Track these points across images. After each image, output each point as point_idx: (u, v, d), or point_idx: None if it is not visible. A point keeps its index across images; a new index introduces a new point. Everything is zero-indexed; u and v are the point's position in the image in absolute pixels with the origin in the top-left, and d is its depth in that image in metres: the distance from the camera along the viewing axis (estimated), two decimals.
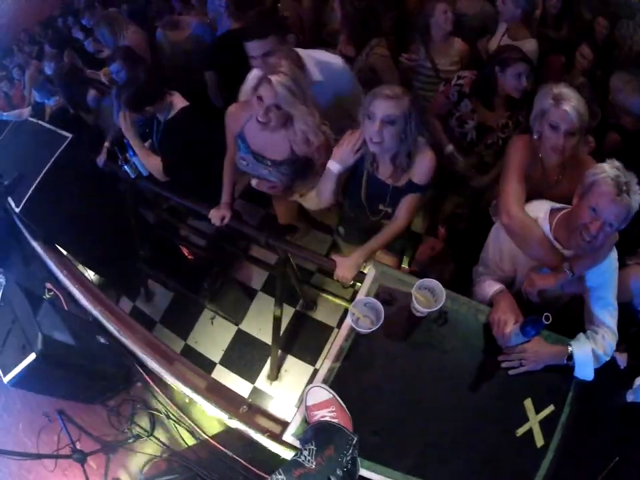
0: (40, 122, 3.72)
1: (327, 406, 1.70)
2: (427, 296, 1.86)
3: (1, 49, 7.67)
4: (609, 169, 1.62)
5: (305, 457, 1.35)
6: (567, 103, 1.86)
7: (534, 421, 1.86)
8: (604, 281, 1.84)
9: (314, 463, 1.34)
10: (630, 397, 2.04)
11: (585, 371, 1.83)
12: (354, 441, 1.50)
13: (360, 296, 1.96)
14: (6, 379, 2.06)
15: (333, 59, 2.55)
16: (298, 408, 1.80)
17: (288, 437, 1.76)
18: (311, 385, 1.77)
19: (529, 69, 2.52)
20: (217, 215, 2.68)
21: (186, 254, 3.84)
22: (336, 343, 1.87)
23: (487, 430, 1.84)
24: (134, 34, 3.83)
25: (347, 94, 2.58)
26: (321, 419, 1.64)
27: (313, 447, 1.39)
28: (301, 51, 2.40)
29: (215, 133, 2.67)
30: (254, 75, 2.28)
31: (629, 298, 2.08)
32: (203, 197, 2.91)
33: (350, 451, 1.45)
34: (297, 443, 1.74)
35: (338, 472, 1.35)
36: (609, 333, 1.83)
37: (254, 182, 2.67)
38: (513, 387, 1.88)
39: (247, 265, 3.79)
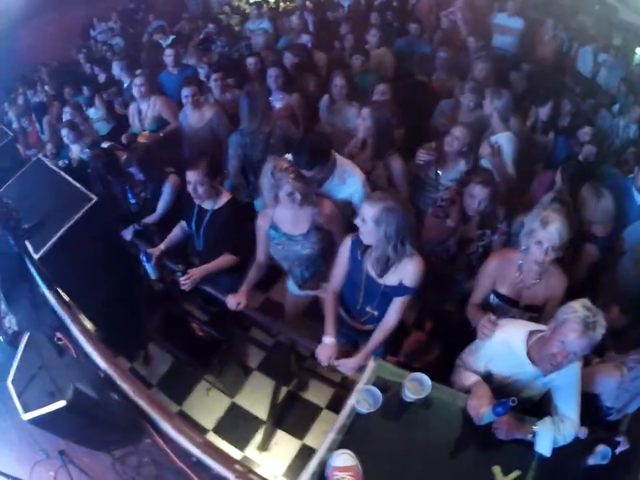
0: (64, 175, 3.84)
1: (349, 471, 2.00)
2: (416, 385, 2.27)
3: (25, 81, 7.40)
4: (580, 309, 1.93)
5: None
6: (552, 225, 2.31)
7: None
8: (569, 383, 2.17)
9: None
10: (591, 461, 2.25)
11: (544, 448, 2.14)
12: None
13: (361, 384, 2.36)
14: (26, 416, 2.20)
15: (359, 174, 3.04)
16: (316, 461, 2.09)
17: None
18: (341, 450, 2.08)
19: (489, 194, 2.87)
20: (234, 301, 2.99)
21: (197, 331, 3.95)
22: (339, 419, 2.23)
23: None
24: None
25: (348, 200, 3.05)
26: None
27: None
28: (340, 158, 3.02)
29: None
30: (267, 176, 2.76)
31: (595, 390, 2.41)
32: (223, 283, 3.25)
33: None
34: None
35: None
36: (571, 423, 2.16)
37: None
38: (484, 457, 2.22)
39: (245, 343, 4.05)
